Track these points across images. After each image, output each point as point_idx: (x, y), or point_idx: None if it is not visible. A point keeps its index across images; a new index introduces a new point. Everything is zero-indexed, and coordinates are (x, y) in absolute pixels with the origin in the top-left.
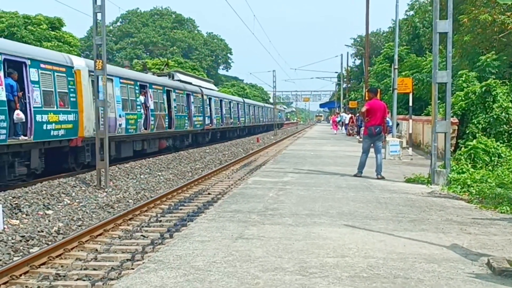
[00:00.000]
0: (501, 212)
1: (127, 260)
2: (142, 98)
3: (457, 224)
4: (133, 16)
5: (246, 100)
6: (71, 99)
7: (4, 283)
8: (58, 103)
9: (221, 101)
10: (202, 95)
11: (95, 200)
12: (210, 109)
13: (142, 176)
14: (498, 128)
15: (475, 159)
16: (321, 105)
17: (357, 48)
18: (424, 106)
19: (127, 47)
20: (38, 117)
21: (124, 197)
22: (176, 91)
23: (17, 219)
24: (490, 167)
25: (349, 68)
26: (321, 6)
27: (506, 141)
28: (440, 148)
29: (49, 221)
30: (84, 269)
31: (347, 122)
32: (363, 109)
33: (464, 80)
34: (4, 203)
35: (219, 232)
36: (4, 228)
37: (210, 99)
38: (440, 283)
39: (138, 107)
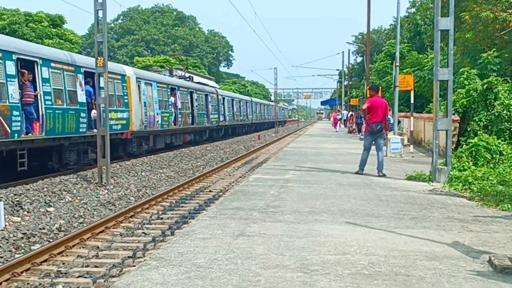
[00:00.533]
0: (503, 210)
1: (129, 257)
2: (172, 99)
3: (459, 222)
4: (134, 13)
5: (254, 99)
6: (125, 100)
7: (5, 280)
8: (117, 104)
9: (232, 100)
10: (217, 95)
11: (96, 197)
12: (224, 107)
13: (143, 174)
14: (499, 125)
15: (477, 156)
16: (322, 103)
17: (359, 46)
18: (426, 104)
19: (128, 44)
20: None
21: (125, 194)
22: (197, 92)
23: (18, 216)
24: (491, 165)
25: (350, 65)
26: (322, 3)
27: (507, 138)
28: (441, 145)
29: (50, 218)
30: (86, 266)
31: (345, 118)
32: (364, 106)
33: (465, 77)
34: (6, 200)
35: (221, 230)
36: (5, 225)
37: (223, 98)
38: (441, 281)
39: (170, 106)
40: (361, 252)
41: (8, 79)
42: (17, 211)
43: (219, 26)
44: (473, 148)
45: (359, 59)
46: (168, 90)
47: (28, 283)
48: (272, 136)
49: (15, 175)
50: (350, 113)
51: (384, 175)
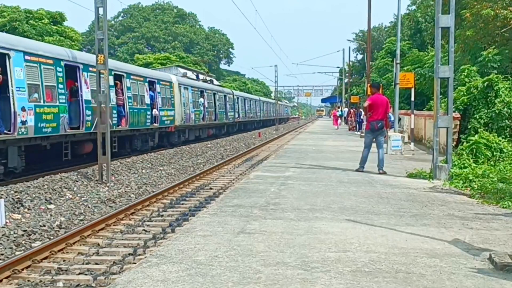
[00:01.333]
0: (503, 207)
1: (129, 254)
2: (201, 100)
3: (459, 219)
4: (135, 10)
5: (262, 98)
6: (172, 101)
7: (6, 277)
8: (167, 104)
9: (245, 99)
10: (233, 96)
11: (97, 194)
12: (238, 106)
13: (143, 171)
14: (500, 123)
15: (477, 154)
16: (323, 100)
17: (359, 43)
18: (426, 101)
19: (129, 41)
20: (161, 112)
21: (126, 191)
22: (218, 93)
23: (19, 214)
24: (492, 162)
25: (351, 63)
26: (323, 0)
27: (508, 136)
28: (442, 143)
29: (51, 215)
30: (86, 264)
31: (345, 115)
32: (365, 103)
33: (466, 75)
34: (6, 197)
35: (221, 227)
36: (6, 222)
37: (238, 98)
38: (442, 278)
39: (200, 106)
40: (361, 250)
41: (110, 88)
42: (18, 208)
43: (220, 23)
44: (473, 146)
45: (359, 57)
46: (199, 92)
47: (28, 280)
48: (273, 134)
49: (16, 174)
50: (347, 109)
51: (384, 173)
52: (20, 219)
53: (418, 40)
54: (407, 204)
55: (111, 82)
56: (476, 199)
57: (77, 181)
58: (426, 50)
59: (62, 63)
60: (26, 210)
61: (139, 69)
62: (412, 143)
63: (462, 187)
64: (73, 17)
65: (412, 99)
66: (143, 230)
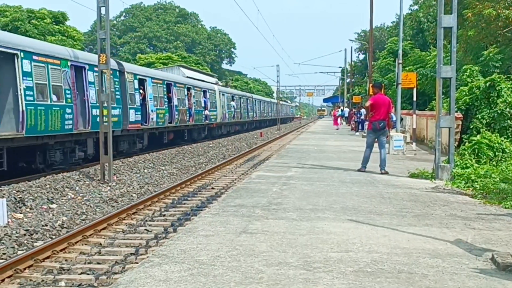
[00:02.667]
0: (505, 207)
1: (131, 254)
2: (232, 103)
3: (461, 219)
4: (137, 10)
5: (272, 100)
6: (215, 104)
7: (8, 277)
8: (213, 107)
9: (259, 101)
10: (252, 99)
11: (99, 194)
12: (255, 107)
13: (145, 171)
14: (502, 123)
15: (479, 154)
16: (325, 100)
17: (361, 43)
18: (428, 101)
19: (131, 41)
20: (209, 113)
21: (128, 191)
22: (243, 97)
23: (21, 213)
24: (494, 162)
25: (353, 62)
26: (325, 0)
27: (510, 136)
28: (444, 143)
29: (53, 215)
30: (88, 263)
31: (346, 115)
32: (367, 103)
33: (468, 75)
34: (8, 197)
35: (223, 227)
36: (8, 222)
37: (255, 100)
38: (444, 278)
39: (231, 108)
40: (363, 250)
41: (136, 91)
42: (20, 207)
43: (222, 23)
44: (475, 146)
45: (361, 57)
46: (230, 97)
47: (30, 280)
48: (275, 134)
49: (18, 173)
50: (347, 109)
51: (386, 173)
52: (22, 219)
53: (420, 40)
54: (409, 204)
55: (136, 86)
56: (478, 199)
57: (79, 180)
58: (428, 50)
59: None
60: (28, 209)
61: (200, 83)
62: (414, 143)
63: (464, 187)
64: (75, 16)
65: (414, 99)
66: (145, 229)
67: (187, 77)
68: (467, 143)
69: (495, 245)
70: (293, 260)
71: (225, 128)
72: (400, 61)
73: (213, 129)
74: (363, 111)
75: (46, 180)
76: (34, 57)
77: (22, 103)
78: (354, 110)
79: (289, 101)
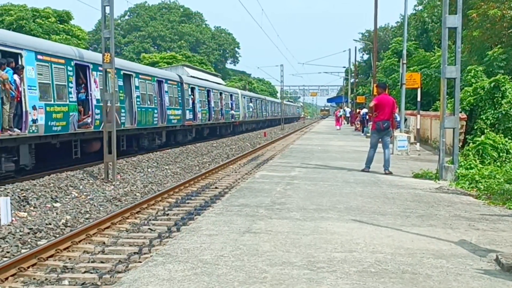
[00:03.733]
0: (509, 208)
1: (135, 253)
2: (250, 104)
3: (465, 220)
4: (141, 9)
5: (284, 101)
6: (238, 105)
7: (12, 275)
8: (236, 108)
9: (272, 102)
10: (266, 100)
11: (102, 193)
12: (267, 107)
13: (149, 170)
14: (506, 124)
15: (483, 155)
16: (329, 100)
17: (365, 43)
18: (432, 102)
19: (135, 40)
20: (234, 112)
21: (131, 190)
22: (258, 100)
23: (25, 212)
24: (498, 163)
25: (357, 63)
26: (329, 0)
27: None
28: (448, 143)
29: (56, 213)
30: (92, 262)
31: (348, 115)
32: (371, 104)
33: (473, 75)
34: (12, 195)
35: (227, 226)
36: (12, 220)
37: (268, 102)
38: (448, 279)
39: (250, 109)
40: (367, 250)
41: (190, 96)
42: (24, 206)
43: (226, 23)
44: (480, 146)
45: (365, 57)
46: (249, 99)
47: (34, 278)
48: (278, 133)
49: (24, 171)
50: (348, 109)
51: (390, 173)
52: (26, 217)
53: (425, 40)
54: (413, 204)
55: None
56: (483, 200)
57: (83, 179)
58: (433, 50)
59: (121, 73)
60: (32, 208)
61: (229, 88)
62: (418, 144)
63: (468, 188)
64: (80, 16)
65: (418, 99)
66: (149, 229)
67: (207, 80)
68: (471, 143)
69: (499, 246)
70: (297, 260)
71: (245, 126)
72: (405, 61)
73: (236, 126)
74: (365, 110)
75: (50, 179)
76: (141, 77)
77: (134, 105)
78: (359, 110)
79: (294, 102)
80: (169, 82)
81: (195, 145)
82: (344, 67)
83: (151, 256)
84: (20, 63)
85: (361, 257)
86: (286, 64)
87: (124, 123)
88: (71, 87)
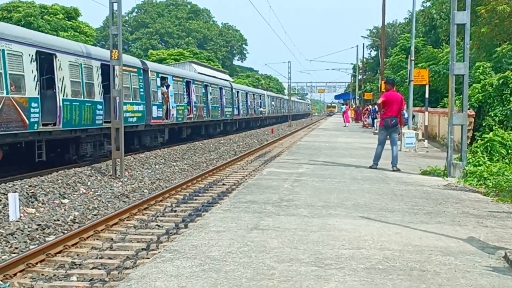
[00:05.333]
0: None
1: (143, 249)
2: (272, 102)
3: (474, 217)
4: (149, 6)
5: (299, 99)
6: (265, 104)
7: (20, 271)
8: (264, 105)
9: (287, 100)
10: (283, 99)
11: (110, 189)
12: (285, 105)
13: (157, 166)
14: None
15: (492, 152)
16: (336, 97)
17: (373, 40)
18: (440, 98)
19: (143, 37)
20: (262, 109)
21: (139, 187)
22: (276, 98)
23: (33, 208)
24: (507, 160)
25: (364, 59)
26: None
27: None
28: (456, 140)
29: (65, 210)
30: (100, 258)
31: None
32: (379, 100)
33: (481, 72)
34: (21, 191)
35: (234, 223)
36: (20, 216)
37: (286, 100)
38: (457, 276)
39: (272, 106)
40: (375, 247)
41: (236, 98)
42: (32, 202)
43: (233, 19)
44: (488, 143)
45: (373, 53)
46: (272, 98)
47: (42, 274)
48: (286, 130)
49: (32, 167)
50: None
51: (398, 170)
52: (34, 213)
53: (433, 36)
54: (421, 201)
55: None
56: (491, 197)
57: (91, 176)
58: (441, 47)
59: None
60: (40, 204)
61: (258, 90)
62: (426, 141)
63: (476, 185)
64: (88, 12)
65: (426, 96)
66: (157, 225)
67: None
68: (479, 140)
69: (508, 243)
70: (305, 257)
71: (268, 121)
72: (413, 58)
73: (262, 120)
74: (372, 107)
75: (58, 175)
76: (174, 78)
77: (209, 104)
78: (368, 107)
79: (304, 99)
80: (225, 88)
81: (202, 141)
82: (352, 63)
83: (159, 252)
84: (167, 82)
85: (369, 254)
86: (294, 60)
87: (205, 116)
88: (185, 94)
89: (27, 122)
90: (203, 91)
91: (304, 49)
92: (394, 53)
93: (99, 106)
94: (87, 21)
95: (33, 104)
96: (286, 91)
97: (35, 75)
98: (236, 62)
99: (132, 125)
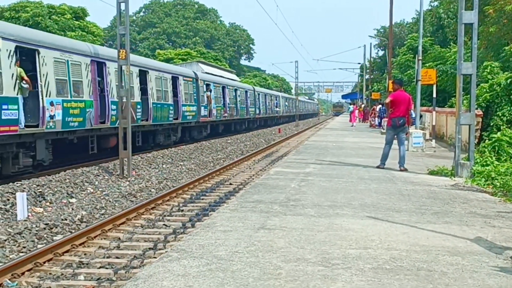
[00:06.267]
0: None
1: (150, 249)
2: (286, 103)
3: (481, 217)
4: (156, 6)
5: (301, 99)
6: (280, 103)
7: (28, 270)
8: (279, 106)
9: (298, 101)
10: (295, 100)
11: (118, 189)
12: (297, 105)
13: (164, 166)
14: None
15: (499, 151)
16: (343, 96)
17: (381, 39)
18: (448, 98)
19: (150, 37)
20: (278, 109)
21: (146, 186)
22: (288, 99)
23: (41, 207)
24: None
25: (372, 59)
26: None
27: None
28: (464, 140)
29: (72, 209)
30: (107, 257)
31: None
32: (387, 100)
33: (489, 71)
34: (29, 191)
35: (241, 222)
36: (28, 215)
37: (297, 101)
38: (464, 276)
39: (285, 106)
40: (382, 247)
41: (256, 100)
42: (40, 202)
43: (241, 19)
44: (496, 143)
45: (381, 53)
46: (286, 99)
47: (50, 273)
48: (293, 130)
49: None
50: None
51: (405, 170)
52: (42, 213)
53: (440, 36)
54: (428, 201)
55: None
56: (499, 197)
57: (98, 175)
58: (448, 46)
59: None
60: (48, 203)
61: (275, 92)
62: (434, 140)
63: (484, 185)
64: (95, 12)
65: (434, 95)
66: (164, 224)
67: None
68: (487, 140)
69: None
70: (312, 257)
71: (282, 119)
72: (420, 58)
73: (278, 119)
74: (382, 106)
75: (65, 175)
76: (215, 85)
77: (261, 106)
78: (375, 106)
79: (312, 99)
80: (250, 91)
81: (209, 141)
82: (359, 63)
83: (166, 251)
84: (210, 88)
85: (376, 254)
86: (301, 60)
87: (235, 115)
88: (221, 97)
89: (135, 118)
90: (233, 94)
91: (311, 49)
92: (401, 53)
93: (171, 107)
94: (95, 21)
95: (138, 107)
96: (293, 91)
97: (139, 86)
98: (243, 61)
99: (189, 122)
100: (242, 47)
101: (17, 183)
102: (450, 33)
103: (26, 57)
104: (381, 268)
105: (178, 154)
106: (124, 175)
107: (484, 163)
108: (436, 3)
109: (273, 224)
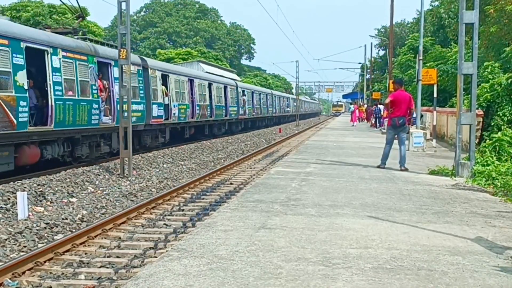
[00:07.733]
0: None
1: (150, 248)
2: (293, 103)
3: (482, 217)
4: (157, 5)
5: (311, 100)
6: (290, 104)
7: (29, 269)
8: (289, 106)
9: (304, 101)
10: (302, 100)
11: (118, 188)
12: (303, 105)
13: (165, 165)
14: None
15: (500, 151)
16: (344, 96)
17: (381, 39)
18: (449, 98)
19: (151, 36)
20: (288, 108)
21: (147, 186)
22: (310, 99)
23: (41, 207)
24: None
25: (373, 59)
26: None
27: None
28: (464, 140)
29: (73, 208)
30: (108, 257)
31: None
32: (387, 100)
33: (490, 71)
34: (29, 190)
35: (242, 222)
36: (29, 215)
37: (303, 101)
38: (465, 276)
39: (294, 106)
40: (383, 246)
41: (272, 102)
42: (40, 201)
43: (241, 18)
44: (496, 143)
45: (381, 53)
46: (293, 100)
47: (51, 273)
48: (293, 129)
49: (40, 166)
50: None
51: (406, 169)
52: (42, 212)
53: (441, 36)
54: (429, 201)
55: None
56: (499, 196)
57: (99, 175)
58: (449, 46)
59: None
60: (48, 203)
61: (286, 94)
62: (434, 140)
63: (485, 184)
64: (96, 12)
65: (435, 95)
66: (164, 224)
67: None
68: (488, 140)
69: None
70: (312, 256)
71: (291, 118)
72: (421, 57)
73: (287, 117)
74: (381, 107)
75: (66, 174)
76: (246, 90)
77: (276, 105)
78: (371, 107)
79: (313, 99)
80: (268, 94)
81: (210, 141)
82: (360, 63)
83: (166, 251)
84: (244, 93)
85: (376, 254)
86: (302, 60)
87: (272, 111)
88: (251, 100)
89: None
90: (258, 97)
91: (312, 49)
92: (402, 53)
93: (223, 108)
94: (96, 20)
95: (188, 108)
96: (294, 91)
97: (189, 91)
98: (244, 61)
99: (232, 118)
100: (242, 47)
101: (17, 183)
102: (451, 33)
103: (163, 79)
104: (381, 267)
105: (178, 153)
106: (125, 175)
107: (485, 163)
108: (437, 3)
109: (273, 224)
